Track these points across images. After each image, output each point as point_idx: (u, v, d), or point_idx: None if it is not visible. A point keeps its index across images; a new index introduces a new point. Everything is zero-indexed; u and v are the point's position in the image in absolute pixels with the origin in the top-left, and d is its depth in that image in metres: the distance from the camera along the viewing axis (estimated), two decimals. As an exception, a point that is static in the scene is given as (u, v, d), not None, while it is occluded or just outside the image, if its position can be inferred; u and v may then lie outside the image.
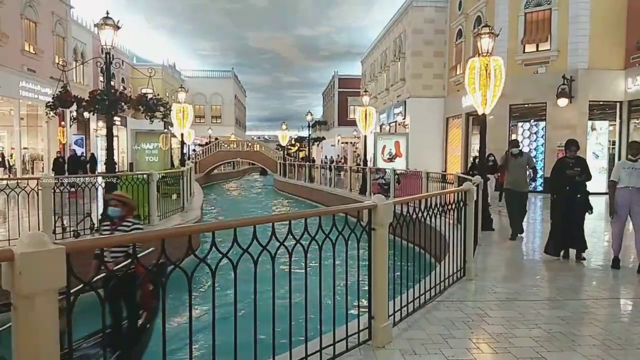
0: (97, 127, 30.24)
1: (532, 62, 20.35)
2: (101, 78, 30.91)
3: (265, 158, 43.71)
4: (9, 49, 20.59)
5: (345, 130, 51.00)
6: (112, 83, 9.61)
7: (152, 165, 15.23)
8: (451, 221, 6.32)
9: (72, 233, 8.59)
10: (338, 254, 3.49)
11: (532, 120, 21.08)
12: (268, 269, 3.01)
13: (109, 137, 9.41)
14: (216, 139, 47.05)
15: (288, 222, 3.09)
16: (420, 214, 4.62)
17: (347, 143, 53.55)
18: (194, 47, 60.88)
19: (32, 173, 22.91)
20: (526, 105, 21.06)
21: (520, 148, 9.27)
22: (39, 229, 8.09)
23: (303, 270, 3.27)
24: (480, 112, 9.82)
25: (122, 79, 36.25)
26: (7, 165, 23.30)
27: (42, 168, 23.33)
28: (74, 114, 24.65)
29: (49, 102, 9.93)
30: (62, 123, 24.46)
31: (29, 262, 1.81)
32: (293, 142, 50.60)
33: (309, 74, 69.30)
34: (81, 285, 2.04)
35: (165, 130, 19.86)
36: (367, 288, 3.88)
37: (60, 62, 22.88)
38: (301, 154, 53.18)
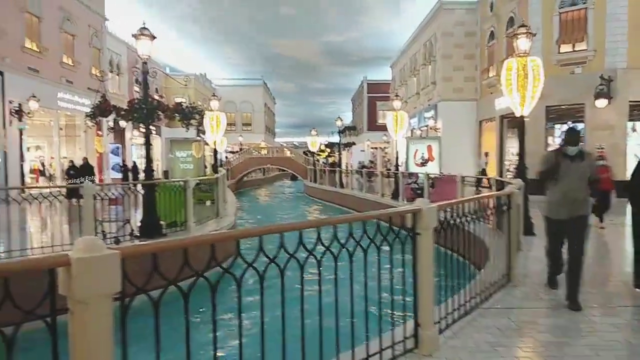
0: (133, 136, 30.98)
1: (568, 62, 19.80)
2: (136, 88, 31.74)
3: (295, 164, 43.89)
4: (48, 61, 21.32)
5: (374, 135, 50.78)
6: (157, 99, 9.81)
7: (187, 172, 15.48)
8: (489, 226, 6.16)
9: (112, 239, 8.76)
10: (378, 261, 3.42)
11: (570, 122, 20.49)
12: (311, 274, 2.96)
13: (147, 145, 9.58)
14: (243, 147, 47.53)
15: (333, 226, 3.04)
16: (462, 219, 4.49)
17: (376, 148, 53.27)
18: (223, 56, 61.89)
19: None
20: (563, 107, 20.49)
21: (580, 146, 5.30)
22: (80, 235, 8.29)
23: (340, 277, 3.21)
24: (518, 114, 9.58)
25: (156, 89, 37.07)
26: (48, 174, 24.06)
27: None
28: (111, 123, 25.42)
29: (88, 111, 10.20)
30: (99, 132, 25.16)
31: (85, 267, 1.80)
32: (323, 147, 50.65)
33: (337, 80, 69.47)
34: (135, 291, 2.03)
35: (198, 138, 20.17)
36: (405, 294, 3.78)
37: (99, 73, 23.50)
38: (331, 160, 53.20)
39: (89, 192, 8.18)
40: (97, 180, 19.57)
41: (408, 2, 40.72)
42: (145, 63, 9.32)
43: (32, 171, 23.18)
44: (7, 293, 1.68)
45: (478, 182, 17.77)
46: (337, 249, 3.02)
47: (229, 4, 45.56)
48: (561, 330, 4.34)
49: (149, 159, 9.51)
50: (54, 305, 1.80)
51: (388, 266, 3.61)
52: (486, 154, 22.86)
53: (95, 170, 24.40)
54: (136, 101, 9.39)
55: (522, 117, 9.62)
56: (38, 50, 20.64)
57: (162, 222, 9.82)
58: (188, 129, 10.29)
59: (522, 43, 9.36)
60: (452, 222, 4.26)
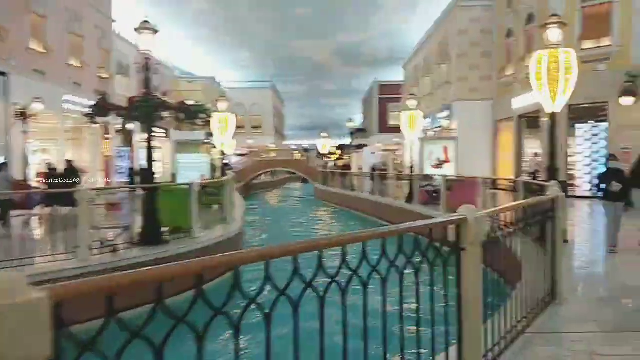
0: (142, 139, 30.52)
1: (591, 59, 18.90)
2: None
3: (305, 167, 43.29)
4: (54, 63, 20.89)
5: (385, 138, 50.01)
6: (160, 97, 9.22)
7: (193, 175, 14.88)
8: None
9: (110, 248, 8.16)
10: (416, 286, 2.72)
11: (592, 121, 19.61)
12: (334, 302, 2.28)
13: (149, 146, 8.98)
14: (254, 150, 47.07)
15: (361, 243, 2.36)
16: (511, 229, 3.79)
17: (387, 150, 52.47)
18: (233, 58, 61.60)
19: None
20: (585, 106, 19.59)
21: None
22: (76, 244, 7.67)
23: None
24: (548, 110, 8.85)
25: (165, 91, 36.64)
26: (54, 178, 23.63)
27: (87, 180, 23.53)
28: (119, 126, 24.95)
29: (86, 112, 9.64)
30: (107, 135, 24.72)
31: (-9, 321, 1.14)
32: (333, 150, 49.92)
33: (349, 82, 68.96)
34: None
35: (207, 140, 19.60)
36: (448, 322, 3.07)
37: (102, 73, 22.94)
38: (340, 163, 52.44)
39: (84, 198, 7.58)
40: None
41: (422, 0, 40.06)
42: (147, 59, 8.73)
43: (38, 175, 22.76)
44: None
45: (494, 185, 16.93)
46: (365, 270, 2.35)
47: (240, 5, 45.25)
48: (629, 362, 3.61)
49: (150, 161, 8.91)
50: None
51: (421, 286, 2.92)
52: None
53: (95, 174, 23.99)
54: (137, 99, 8.80)
55: (553, 113, 8.87)
56: (44, 51, 20.22)
57: (164, 229, 9.21)
58: (194, 129, 9.69)
59: (553, 34, 8.63)
60: (499, 233, 3.56)
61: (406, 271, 2.57)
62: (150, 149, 9.02)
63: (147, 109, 8.49)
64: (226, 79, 57.64)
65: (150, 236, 8.68)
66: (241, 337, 1.83)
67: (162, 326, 1.55)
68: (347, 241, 2.30)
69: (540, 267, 5.01)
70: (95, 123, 9.70)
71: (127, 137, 26.79)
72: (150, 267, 1.55)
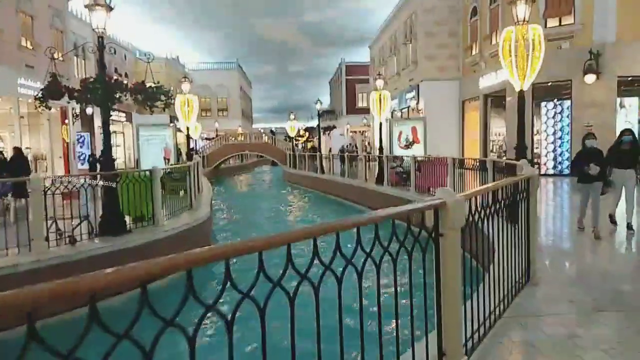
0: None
1: (555, 37, 19.07)
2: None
3: (274, 150, 42.80)
4: (5, 44, 19.71)
5: (353, 119, 49.90)
6: (115, 77, 8.70)
7: (158, 160, 14.37)
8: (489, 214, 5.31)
9: (67, 239, 7.72)
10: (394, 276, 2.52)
11: (556, 100, 19.88)
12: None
13: (106, 130, 8.48)
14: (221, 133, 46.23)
15: (335, 234, 2.13)
16: (486, 211, 3.64)
17: (355, 132, 52.45)
18: (197, 40, 60.00)
19: (36, 172, 22.07)
20: (549, 84, 19.83)
21: None
22: (29, 236, 7.19)
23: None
24: (517, 88, 8.78)
25: (126, 73, 35.31)
26: (10, 166, 22.50)
27: (46, 168, 22.56)
28: (77, 110, 23.89)
29: (36, 94, 9.04)
30: (66, 121, 23.66)
31: None
32: (302, 132, 49.50)
33: (316, 62, 68.29)
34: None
35: (171, 124, 18.98)
36: (428, 314, 2.90)
37: (48, 52, 21.70)
38: (309, 145, 52.11)
39: (37, 187, 7.10)
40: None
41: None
42: (100, 37, 8.19)
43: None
44: None
45: (461, 165, 17.03)
46: (338, 263, 2.13)
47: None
48: (608, 343, 3.54)
49: (108, 146, 8.42)
50: None
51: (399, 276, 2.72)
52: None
53: (59, 162, 23.02)
54: (90, 80, 8.28)
55: (521, 91, 8.81)
56: (-7, 33, 19.04)
57: (127, 217, 8.79)
58: (152, 111, 9.21)
59: (522, 10, 8.51)
60: (477, 217, 3.40)
61: (383, 260, 2.38)
62: (108, 133, 8.53)
63: (102, 91, 7.99)
64: (191, 60, 56.19)
65: (112, 226, 8.25)
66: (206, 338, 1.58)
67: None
68: (319, 232, 2.07)
69: (515, 248, 4.92)
70: (47, 107, 9.09)
71: (86, 122, 25.76)
72: (77, 277, 1.27)
